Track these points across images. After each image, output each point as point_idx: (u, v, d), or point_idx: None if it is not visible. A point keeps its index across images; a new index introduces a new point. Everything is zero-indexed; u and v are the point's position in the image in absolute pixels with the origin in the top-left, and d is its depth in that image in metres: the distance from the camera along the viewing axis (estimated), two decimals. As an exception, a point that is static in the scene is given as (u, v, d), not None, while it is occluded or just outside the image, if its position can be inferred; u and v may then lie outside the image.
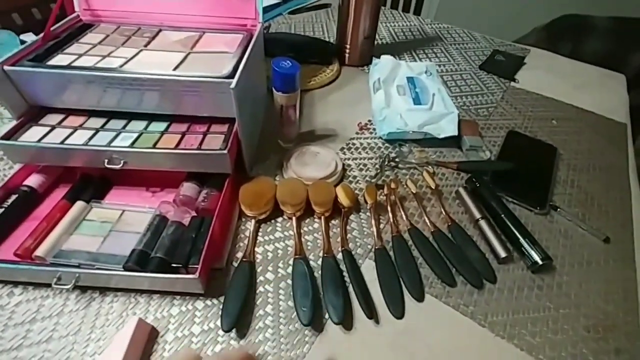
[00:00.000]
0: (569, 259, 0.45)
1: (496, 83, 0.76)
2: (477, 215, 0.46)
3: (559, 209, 0.50)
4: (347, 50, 0.76)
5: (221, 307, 0.37)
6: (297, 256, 0.41)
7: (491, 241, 0.44)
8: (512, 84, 0.76)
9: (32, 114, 0.46)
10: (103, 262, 0.39)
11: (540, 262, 0.41)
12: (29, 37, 0.76)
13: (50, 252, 0.39)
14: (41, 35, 0.48)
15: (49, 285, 0.38)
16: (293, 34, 0.88)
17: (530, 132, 0.63)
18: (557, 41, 1.17)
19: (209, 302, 0.39)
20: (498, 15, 1.69)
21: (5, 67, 0.42)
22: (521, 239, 0.44)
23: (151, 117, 0.47)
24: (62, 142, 0.43)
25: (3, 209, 0.42)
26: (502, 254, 0.42)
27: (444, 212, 0.47)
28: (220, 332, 0.36)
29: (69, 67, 0.44)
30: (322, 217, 0.45)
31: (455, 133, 0.57)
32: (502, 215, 0.46)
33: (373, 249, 0.44)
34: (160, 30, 0.54)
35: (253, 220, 0.45)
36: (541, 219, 0.49)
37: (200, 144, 0.44)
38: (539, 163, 0.57)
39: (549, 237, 0.47)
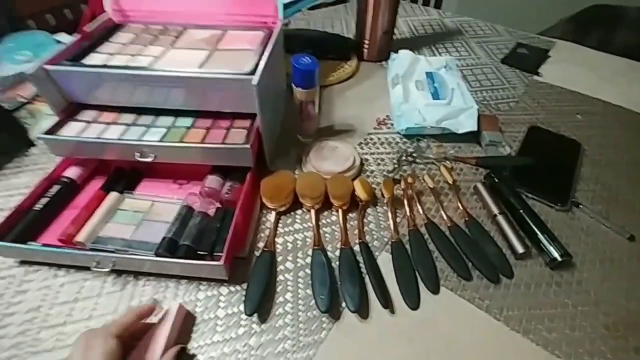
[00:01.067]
0: (590, 256, 0.45)
1: (518, 77, 0.74)
2: (495, 210, 0.46)
3: (581, 206, 0.49)
4: (366, 46, 0.76)
5: (244, 293, 0.40)
6: (315, 247, 0.43)
7: (509, 237, 0.44)
8: (536, 77, 0.74)
9: (69, 110, 0.50)
10: (136, 248, 0.41)
11: (559, 259, 0.41)
12: (63, 37, 0.80)
13: (89, 238, 0.43)
14: (77, 35, 0.51)
15: (88, 269, 0.41)
16: (312, 30, 0.89)
17: (553, 127, 0.62)
18: (584, 33, 1.13)
19: (232, 289, 0.41)
20: (522, 7, 1.63)
21: (47, 67, 0.45)
22: (540, 235, 0.43)
23: (177, 113, 0.50)
24: (98, 137, 0.46)
25: (48, 199, 0.46)
26: (520, 249, 0.43)
27: (461, 207, 0.48)
28: (243, 316, 0.38)
29: (103, 66, 0.46)
30: (340, 210, 0.47)
31: (475, 128, 0.57)
32: (521, 211, 0.46)
33: (389, 242, 0.45)
34: (185, 29, 0.56)
35: (274, 212, 0.47)
36: (562, 215, 0.49)
37: (224, 138, 0.46)
38: (562, 159, 0.56)
39: (569, 234, 0.47)
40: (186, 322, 0.38)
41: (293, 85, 0.50)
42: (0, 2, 0.93)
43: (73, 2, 1.14)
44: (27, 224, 0.43)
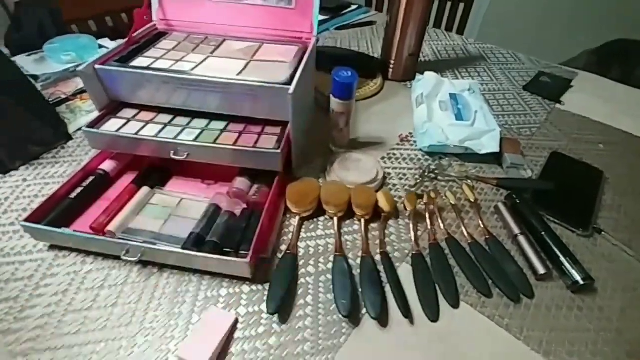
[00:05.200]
0: (612, 283, 0.44)
1: (540, 104, 0.75)
2: (516, 230, 0.47)
3: (603, 233, 0.49)
4: (392, 66, 0.79)
5: (265, 292, 0.40)
6: (337, 253, 0.44)
7: (530, 257, 0.44)
8: (558, 106, 0.75)
9: (110, 108, 0.53)
10: (164, 241, 0.43)
11: (581, 282, 0.41)
12: (105, 41, 0.85)
13: (120, 229, 0.44)
14: (125, 39, 0.55)
15: (116, 258, 0.43)
16: (339, 47, 0.92)
17: (575, 154, 0.62)
18: (607, 65, 1.14)
19: (254, 287, 0.42)
20: (545, 37, 1.66)
21: (96, 66, 0.49)
22: (562, 258, 0.43)
23: (211, 117, 0.52)
24: (136, 133, 0.49)
25: (82, 188, 0.48)
26: (541, 270, 0.43)
27: (482, 225, 0.48)
28: (264, 315, 0.39)
29: (148, 68, 0.50)
30: (362, 220, 0.48)
31: (497, 150, 0.58)
32: (543, 233, 0.46)
33: (410, 254, 0.45)
34: (224, 40, 0.59)
35: (297, 217, 0.48)
36: (584, 241, 0.49)
37: (255, 143, 0.48)
38: (583, 185, 0.56)
39: (591, 259, 0.46)
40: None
41: (332, 96, 0.52)
42: (49, 8, 0.99)
43: (114, 11, 1.22)
44: (61, 211, 0.46)
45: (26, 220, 0.42)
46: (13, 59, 0.75)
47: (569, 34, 1.56)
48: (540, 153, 0.62)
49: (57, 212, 0.45)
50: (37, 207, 0.44)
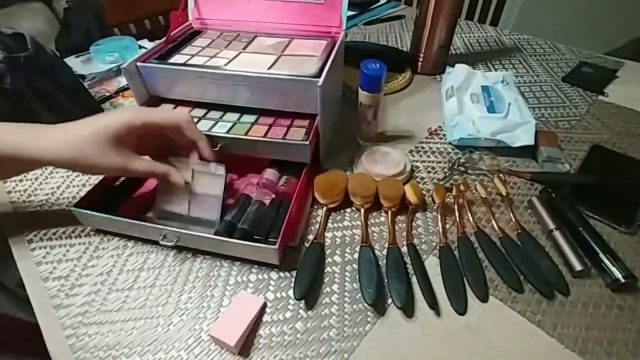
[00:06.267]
0: (658, 283, 0.41)
1: (581, 96, 0.71)
2: (551, 225, 0.45)
3: (648, 230, 0.46)
4: (421, 59, 0.78)
5: (293, 279, 0.42)
6: (363, 244, 0.44)
7: (566, 253, 0.42)
8: (601, 97, 0.71)
9: (150, 103, 0.56)
10: (194, 224, 0.45)
11: (622, 280, 0.39)
12: (145, 42, 0.90)
13: (155, 214, 0.47)
14: (164, 39, 0.58)
15: (154, 243, 0.46)
16: (368, 42, 0.92)
17: (618, 148, 0.59)
18: (658, 55, 1.06)
19: (282, 274, 0.43)
20: (587, 27, 1.56)
21: (138, 63, 0.52)
22: (601, 254, 0.41)
23: (242, 111, 0.54)
24: (173, 126, 0.51)
25: (124, 178, 0.51)
26: (578, 266, 0.41)
27: (514, 220, 0.47)
28: (291, 301, 0.40)
29: (185, 64, 0.52)
30: (390, 212, 0.48)
31: (531, 142, 0.55)
32: (580, 229, 0.44)
33: (437, 247, 0.45)
34: (255, 37, 0.61)
35: (324, 208, 0.49)
36: (626, 238, 0.46)
37: (285, 135, 0.50)
38: (628, 180, 0.53)
39: (634, 258, 0.44)
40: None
41: (360, 89, 0.53)
42: (95, 13, 1.07)
43: (152, 14, 1.28)
44: (107, 198, 0.49)
45: (75, 205, 0.46)
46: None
47: (613, 22, 1.46)
48: (579, 147, 0.59)
49: (103, 199, 0.49)
50: (85, 195, 0.48)
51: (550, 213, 0.46)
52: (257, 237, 0.43)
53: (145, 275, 0.44)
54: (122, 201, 0.50)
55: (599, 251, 0.42)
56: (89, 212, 0.46)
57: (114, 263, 0.45)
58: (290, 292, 0.41)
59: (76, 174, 0.58)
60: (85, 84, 0.75)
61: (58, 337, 0.38)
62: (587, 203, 0.49)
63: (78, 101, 0.60)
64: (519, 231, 0.45)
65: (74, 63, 0.82)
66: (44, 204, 0.53)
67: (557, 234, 0.44)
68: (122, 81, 0.77)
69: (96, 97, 0.72)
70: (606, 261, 0.41)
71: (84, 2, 1.12)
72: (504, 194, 0.49)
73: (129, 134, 0.42)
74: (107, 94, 0.74)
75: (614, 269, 0.40)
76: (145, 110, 0.48)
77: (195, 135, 0.45)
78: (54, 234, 0.49)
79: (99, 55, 0.81)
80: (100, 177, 0.50)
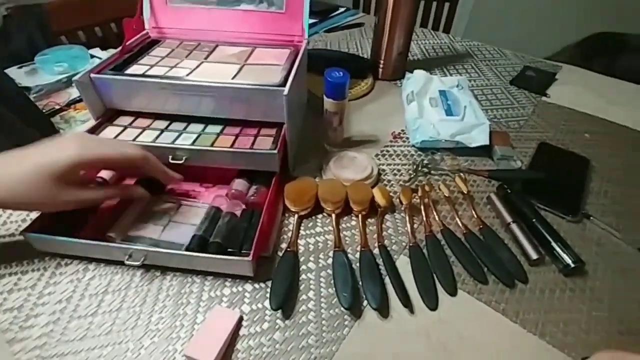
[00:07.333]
0: (602, 265, 0.46)
1: (527, 98, 0.78)
2: (509, 219, 0.48)
3: (591, 218, 0.51)
4: (381, 65, 0.81)
5: (268, 290, 0.41)
6: (336, 249, 0.45)
7: (522, 243, 0.46)
8: (544, 98, 0.77)
9: (107, 116, 0.53)
10: (164, 247, 0.43)
11: (572, 265, 0.43)
12: (97, 52, 0.86)
13: (120, 235, 0.45)
14: (118, 49, 0.56)
15: (118, 263, 0.43)
16: (329, 49, 0.94)
17: (562, 144, 0.64)
18: (590, 58, 1.18)
19: (256, 286, 0.42)
20: (528, 33, 1.70)
21: (92, 75, 0.49)
22: (553, 243, 0.45)
23: (207, 121, 0.53)
24: (134, 140, 0.49)
25: (82, 196, 0.48)
26: (534, 255, 0.44)
27: (475, 216, 0.50)
28: (267, 312, 0.40)
29: (144, 75, 0.50)
30: (360, 215, 0.49)
31: (487, 142, 0.59)
32: (534, 220, 0.48)
33: (407, 246, 0.46)
34: (217, 46, 0.61)
35: (296, 215, 0.49)
36: (573, 226, 0.50)
37: (252, 144, 0.49)
38: (571, 173, 0.58)
39: (581, 244, 0.48)
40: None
41: (325, 97, 0.53)
42: (38, 20, 1.00)
43: (103, 21, 1.22)
44: (62, 219, 0.46)
45: (26, 229, 0.42)
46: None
47: (552, 29, 1.60)
48: (528, 144, 0.64)
49: (57, 220, 0.46)
50: (37, 216, 0.44)
51: (507, 207, 0.50)
52: (231, 250, 0.42)
53: (110, 298, 0.42)
54: (79, 221, 0.47)
55: (550, 240, 0.45)
56: (42, 235, 0.42)
57: (74, 288, 0.42)
58: (267, 303, 0.40)
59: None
60: (31, 97, 0.69)
61: (13, 375, 0.35)
62: (538, 196, 0.53)
63: (25, 116, 0.56)
64: (481, 226, 0.48)
65: (17, 74, 0.76)
66: (-12, 229, 0.49)
67: (514, 227, 0.47)
68: (73, 93, 0.72)
69: (44, 111, 0.67)
70: (557, 249, 0.44)
71: (27, 8, 1.04)
72: (465, 192, 0.52)
73: (74, 171, 0.39)
74: (57, 107, 0.70)
75: (564, 256, 0.44)
76: (95, 144, 0.41)
77: (156, 172, 0.43)
78: (3, 261, 0.45)
79: (45, 66, 0.76)
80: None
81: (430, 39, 1.02)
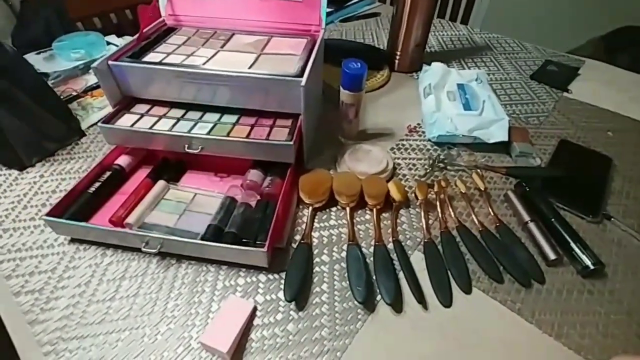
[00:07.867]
0: (622, 267, 0.45)
1: (548, 93, 0.75)
2: (526, 218, 0.47)
3: (612, 219, 0.50)
4: (398, 57, 0.79)
5: (282, 281, 0.41)
6: (350, 242, 0.45)
7: (540, 243, 0.45)
8: (565, 94, 0.75)
9: (124, 103, 0.54)
10: (179, 235, 0.44)
11: (591, 267, 0.42)
12: (112, 38, 0.86)
13: (137, 222, 0.45)
14: (136, 36, 0.55)
15: (135, 250, 0.44)
16: (346, 40, 0.92)
17: (583, 142, 0.62)
18: (614, 53, 1.13)
19: (270, 277, 0.43)
20: (551, 25, 1.64)
21: (110, 62, 0.49)
22: (572, 244, 0.44)
23: (222, 111, 0.53)
24: (150, 128, 0.49)
25: (100, 183, 0.49)
26: (552, 256, 0.43)
27: (492, 213, 0.49)
28: (281, 303, 0.40)
29: (161, 63, 0.50)
30: (374, 209, 0.48)
31: (505, 139, 0.58)
32: (553, 220, 0.47)
33: (422, 242, 0.46)
34: (233, 34, 0.60)
35: (310, 208, 0.49)
36: (593, 227, 0.49)
37: (268, 135, 0.49)
38: (592, 173, 0.57)
39: (601, 245, 0.47)
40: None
41: (341, 88, 0.53)
42: (55, 6, 1.00)
43: (118, 8, 1.22)
44: (81, 205, 0.47)
45: (48, 214, 0.43)
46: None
47: (575, 22, 1.55)
48: (548, 141, 0.63)
49: (76, 206, 0.46)
50: (57, 202, 0.45)
51: (525, 206, 0.49)
52: (246, 240, 0.43)
53: (128, 284, 0.42)
54: (98, 207, 0.48)
55: (569, 240, 0.45)
56: (63, 220, 0.43)
57: (93, 273, 0.43)
58: (280, 294, 0.41)
59: (44, 179, 0.55)
60: (49, 83, 0.70)
61: (35, 355, 0.36)
62: (557, 195, 0.52)
63: (43, 102, 0.56)
64: (497, 224, 0.47)
65: (35, 60, 0.76)
66: (9, 213, 0.50)
67: (532, 226, 0.46)
68: (90, 79, 0.73)
69: (62, 97, 0.68)
70: (577, 250, 0.44)
71: (43, -6, 1.04)
72: (482, 189, 0.51)
73: None
74: (74, 94, 0.70)
75: (584, 257, 0.43)
76: None
77: None
78: (23, 244, 0.46)
79: (63, 52, 0.77)
80: (71, 182, 0.48)
81: (448, 30, 0.99)
